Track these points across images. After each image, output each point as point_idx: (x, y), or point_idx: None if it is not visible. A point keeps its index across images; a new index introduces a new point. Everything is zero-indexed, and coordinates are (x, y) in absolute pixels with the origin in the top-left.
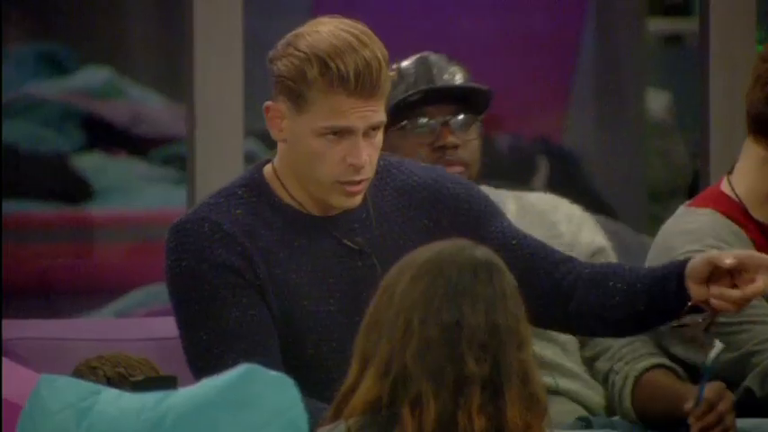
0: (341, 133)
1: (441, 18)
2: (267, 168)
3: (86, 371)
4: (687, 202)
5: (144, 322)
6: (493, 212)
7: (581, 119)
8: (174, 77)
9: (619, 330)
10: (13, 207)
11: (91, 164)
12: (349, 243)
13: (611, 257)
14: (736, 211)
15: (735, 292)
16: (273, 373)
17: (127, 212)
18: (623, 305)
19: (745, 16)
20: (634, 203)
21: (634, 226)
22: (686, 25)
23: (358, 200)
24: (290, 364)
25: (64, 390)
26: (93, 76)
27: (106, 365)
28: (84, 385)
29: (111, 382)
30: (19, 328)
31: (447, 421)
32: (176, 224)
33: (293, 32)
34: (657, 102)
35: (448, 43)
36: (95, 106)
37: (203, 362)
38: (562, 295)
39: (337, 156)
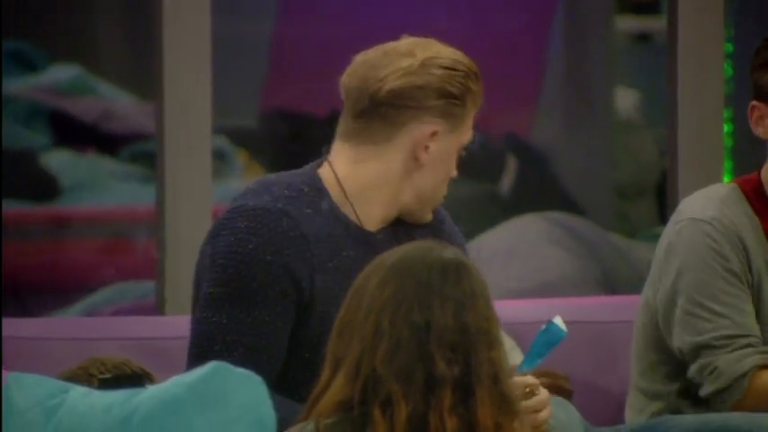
0: None
1: (409, 17)
2: (324, 171)
3: (90, 363)
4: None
5: (118, 322)
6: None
7: (550, 117)
8: (143, 75)
9: None
10: None
11: (60, 161)
12: None
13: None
14: (761, 197)
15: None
16: (241, 370)
17: (96, 210)
18: None
19: (714, 14)
20: (602, 201)
21: (602, 224)
22: (655, 23)
23: None
24: (307, 372)
25: (32, 387)
26: (62, 73)
27: (108, 362)
28: (53, 383)
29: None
30: None
31: (418, 422)
32: (253, 207)
33: (415, 56)
34: (626, 100)
35: None
36: (64, 103)
37: (210, 343)
38: None
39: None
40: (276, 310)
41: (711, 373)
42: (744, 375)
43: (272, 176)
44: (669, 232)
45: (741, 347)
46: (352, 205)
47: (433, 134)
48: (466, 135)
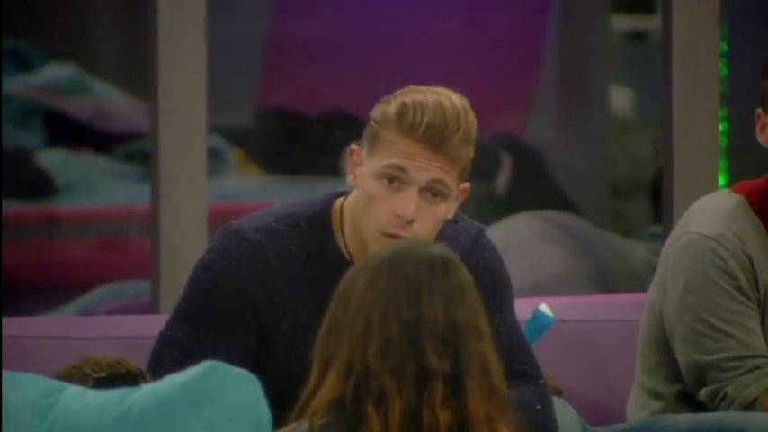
0: (399, 182)
1: (406, 17)
2: (338, 204)
3: (84, 362)
4: (733, 186)
5: (109, 320)
6: (492, 305)
7: (545, 116)
8: (139, 74)
9: None
10: None
11: (55, 160)
12: None
13: None
14: (766, 206)
15: None
16: (237, 369)
17: (91, 209)
18: None
19: (709, 13)
20: (597, 200)
21: (597, 222)
22: (650, 22)
23: None
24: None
25: (27, 387)
26: (57, 72)
27: (103, 361)
28: (48, 382)
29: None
30: None
31: (412, 417)
32: (235, 230)
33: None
34: (621, 99)
35: (413, 43)
36: (59, 102)
37: (163, 353)
38: None
39: (389, 206)
40: (230, 332)
41: (723, 399)
42: (755, 401)
43: (285, 205)
44: (676, 243)
45: (750, 370)
46: (344, 238)
47: (352, 152)
48: (384, 161)
